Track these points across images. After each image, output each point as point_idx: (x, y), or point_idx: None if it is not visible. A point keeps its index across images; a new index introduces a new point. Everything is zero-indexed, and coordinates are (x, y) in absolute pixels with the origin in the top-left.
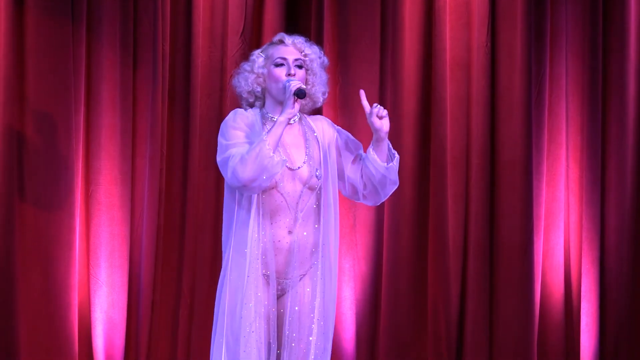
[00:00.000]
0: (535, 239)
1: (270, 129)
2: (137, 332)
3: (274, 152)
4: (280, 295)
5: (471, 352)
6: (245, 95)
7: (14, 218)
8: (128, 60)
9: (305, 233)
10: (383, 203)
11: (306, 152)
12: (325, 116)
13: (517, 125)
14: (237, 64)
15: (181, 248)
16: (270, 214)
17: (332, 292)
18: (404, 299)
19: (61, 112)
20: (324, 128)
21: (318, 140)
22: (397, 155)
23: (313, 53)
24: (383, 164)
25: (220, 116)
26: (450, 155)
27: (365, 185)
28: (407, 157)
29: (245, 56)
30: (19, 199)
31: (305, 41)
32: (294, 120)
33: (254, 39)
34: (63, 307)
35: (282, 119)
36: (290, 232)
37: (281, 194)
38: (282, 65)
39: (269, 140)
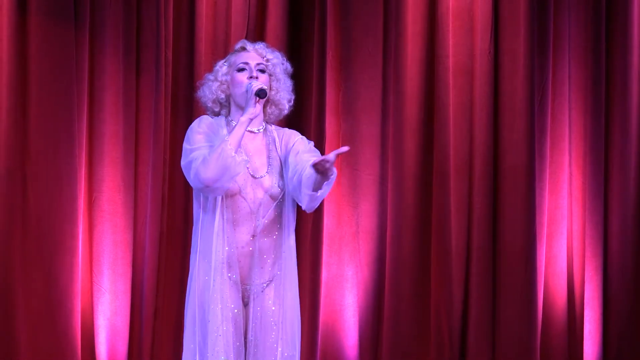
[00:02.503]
0: (538, 245)
1: (233, 129)
2: (140, 339)
3: (235, 152)
4: (247, 302)
5: (474, 359)
6: (210, 104)
7: (17, 225)
8: (131, 67)
9: (266, 239)
10: (386, 210)
11: (268, 162)
12: (328, 122)
13: (520, 132)
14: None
15: (184, 255)
16: (234, 219)
17: (294, 301)
18: (407, 305)
19: (64, 118)
20: (286, 139)
21: (280, 154)
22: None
23: (275, 58)
24: (309, 192)
25: None
26: (453, 161)
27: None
28: (409, 163)
29: None
30: (21, 206)
31: (267, 47)
32: (258, 130)
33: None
34: (66, 314)
35: (244, 119)
36: (253, 237)
37: (245, 199)
38: (244, 70)
39: (231, 140)
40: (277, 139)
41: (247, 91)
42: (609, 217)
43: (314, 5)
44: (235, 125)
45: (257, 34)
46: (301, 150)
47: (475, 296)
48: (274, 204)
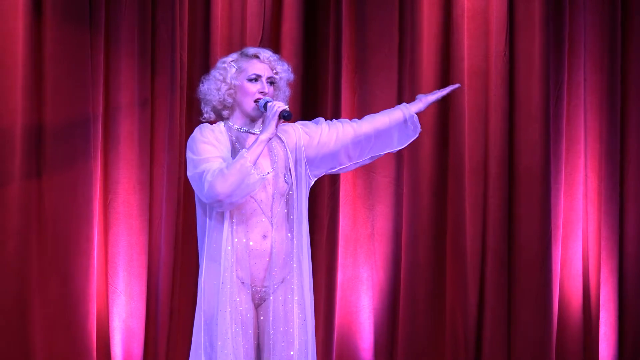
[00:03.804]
0: (553, 247)
1: (251, 146)
2: (155, 340)
3: (254, 169)
4: (260, 303)
5: None
6: (215, 103)
7: (33, 227)
8: (146, 69)
9: (277, 237)
10: (401, 212)
11: (271, 159)
12: None
13: (536, 134)
14: None
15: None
16: (245, 220)
17: (309, 300)
18: (422, 308)
19: (79, 120)
20: (293, 134)
21: (286, 147)
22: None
23: (283, 71)
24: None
25: None
26: (468, 163)
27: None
28: (425, 166)
29: None
30: (37, 208)
31: (278, 59)
32: (259, 131)
33: (272, 48)
34: (81, 316)
35: (264, 137)
36: (265, 237)
37: (255, 200)
38: (255, 80)
39: (250, 157)
40: (282, 137)
41: (265, 108)
42: (624, 219)
43: (330, 9)
44: (255, 141)
45: (272, 37)
46: (325, 128)
47: (490, 298)
48: (282, 200)
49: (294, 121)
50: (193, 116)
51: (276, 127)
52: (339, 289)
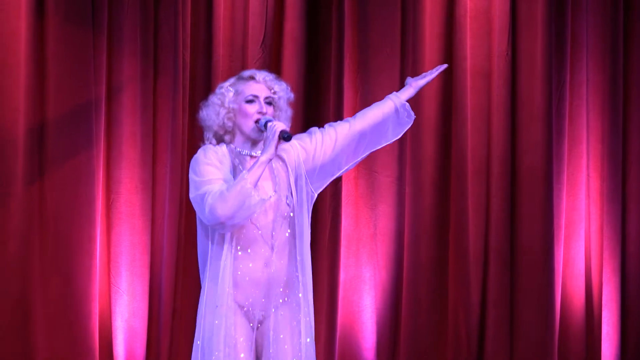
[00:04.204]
0: (555, 247)
1: (252, 167)
2: (158, 340)
3: (254, 191)
4: (259, 326)
5: None
6: (215, 128)
7: (35, 227)
8: (149, 69)
9: (280, 263)
10: (403, 212)
11: (273, 181)
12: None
13: (538, 134)
14: None
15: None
16: (245, 247)
17: (309, 320)
18: (425, 307)
19: (82, 120)
20: (292, 152)
21: (288, 168)
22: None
23: (282, 90)
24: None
25: None
26: (470, 163)
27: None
28: (427, 166)
29: (266, 66)
30: (39, 207)
31: (275, 78)
32: (261, 152)
33: (274, 49)
34: (84, 316)
35: (264, 158)
36: (266, 265)
37: (256, 226)
38: (253, 101)
39: (250, 178)
40: (283, 156)
41: (264, 128)
42: (626, 218)
43: (332, 9)
44: (255, 162)
45: (274, 37)
46: (320, 137)
47: (492, 298)
48: (285, 223)
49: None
50: (195, 116)
51: (276, 148)
52: (342, 289)
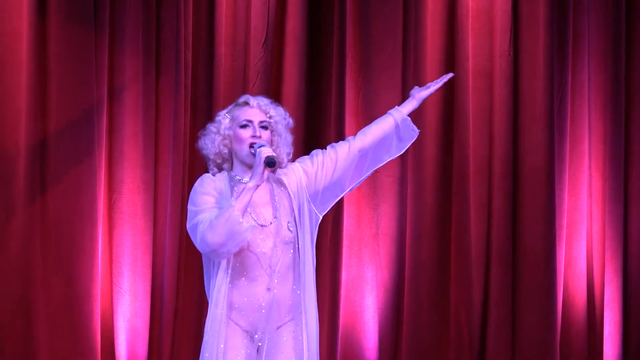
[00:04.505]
0: (557, 247)
1: (239, 194)
2: (160, 340)
3: (242, 218)
4: (262, 345)
5: None
6: (212, 157)
7: (37, 227)
8: (151, 69)
9: (282, 288)
10: (405, 212)
11: (274, 207)
12: (348, 124)
13: (540, 134)
14: (259, 73)
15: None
16: (243, 273)
17: (309, 349)
18: (427, 307)
19: (83, 120)
20: (294, 176)
21: (290, 193)
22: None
23: (278, 115)
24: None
25: None
26: (472, 163)
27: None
28: (429, 166)
29: (268, 65)
30: (41, 208)
31: (271, 103)
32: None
33: (275, 49)
34: (86, 316)
35: (251, 185)
36: (268, 290)
37: (254, 253)
38: (247, 126)
39: (238, 206)
40: (285, 180)
41: (254, 155)
42: (628, 218)
43: (334, 8)
44: (242, 188)
45: (276, 37)
46: (321, 160)
47: (494, 298)
48: (287, 249)
49: (296, 146)
50: (198, 116)
51: (262, 173)
52: (344, 289)
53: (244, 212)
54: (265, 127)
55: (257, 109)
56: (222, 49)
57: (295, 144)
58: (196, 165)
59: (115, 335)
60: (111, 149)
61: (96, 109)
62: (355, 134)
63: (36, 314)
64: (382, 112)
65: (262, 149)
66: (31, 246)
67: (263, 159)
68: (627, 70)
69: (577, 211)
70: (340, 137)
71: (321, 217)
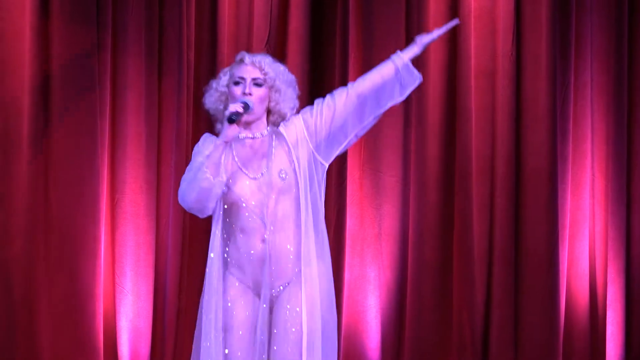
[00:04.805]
0: (560, 247)
1: (210, 152)
2: (162, 340)
3: (211, 174)
4: (272, 306)
5: None
6: (212, 112)
7: (39, 227)
8: (153, 68)
9: (280, 240)
10: (408, 212)
11: (269, 159)
12: None
13: (542, 134)
14: None
15: (206, 256)
16: (240, 227)
17: (318, 302)
18: (429, 307)
19: (86, 120)
20: (294, 128)
21: (288, 145)
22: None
23: (273, 71)
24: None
25: None
26: (475, 163)
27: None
28: (431, 166)
29: None
30: (44, 207)
31: (268, 60)
32: (260, 134)
33: (278, 48)
34: (88, 315)
35: (219, 142)
36: (263, 241)
37: (245, 206)
38: (239, 83)
39: (207, 162)
40: (284, 133)
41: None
42: (631, 218)
43: (336, 8)
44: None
45: (279, 36)
46: (320, 109)
47: (497, 298)
48: (282, 199)
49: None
50: (200, 115)
51: (227, 130)
52: (346, 289)
53: (214, 167)
54: (259, 85)
55: (250, 66)
56: (225, 49)
57: None
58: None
59: (117, 335)
60: (114, 148)
61: (99, 108)
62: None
63: (39, 313)
64: (385, 112)
65: (231, 105)
66: (34, 246)
67: (226, 115)
68: (629, 71)
69: (579, 211)
70: None
71: (327, 165)
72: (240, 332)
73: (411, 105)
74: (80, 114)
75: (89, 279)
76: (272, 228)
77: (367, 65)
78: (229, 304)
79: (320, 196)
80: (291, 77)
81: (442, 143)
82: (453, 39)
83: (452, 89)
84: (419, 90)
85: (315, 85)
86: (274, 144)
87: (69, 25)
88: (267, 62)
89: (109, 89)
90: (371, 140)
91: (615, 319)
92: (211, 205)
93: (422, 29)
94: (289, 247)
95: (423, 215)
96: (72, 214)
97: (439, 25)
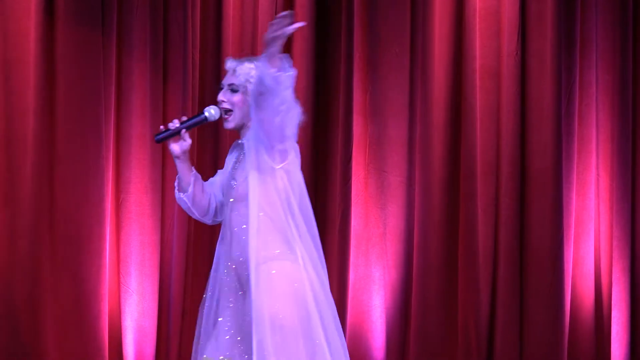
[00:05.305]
0: (565, 247)
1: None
2: (167, 340)
3: (179, 190)
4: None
5: None
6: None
7: (44, 226)
8: (158, 69)
9: (241, 245)
10: (413, 212)
11: (241, 169)
12: (355, 123)
13: (547, 134)
14: None
15: (212, 256)
16: (221, 232)
17: (262, 308)
18: (434, 307)
19: (91, 120)
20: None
21: (245, 153)
22: None
23: (244, 75)
24: None
25: None
26: (480, 163)
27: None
28: (436, 165)
29: None
30: (49, 207)
31: (241, 60)
32: (247, 140)
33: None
34: (93, 315)
35: (174, 157)
36: (230, 247)
37: (225, 216)
38: (221, 90)
39: (176, 181)
40: (245, 142)
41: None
42: (636, 218)
43: (341, 8)
44: None
45: None
46: None
47: (502, 298)
48: (242, 206)
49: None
50: None
51: (170, 147)
52: (351, 288)
53: (179, 183)
54: (235, 90)
55: (229, 71)
56: (230, 49)
57: (303, 142)
58: (203, 166)
59: (122, 335)
60: (119, 148)
61: (104, 108)
62: (362, 133)
63: (44, 313)
64: (390, 112)
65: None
66: (39, 246)
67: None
68: (634, 70)
69: (584, 211)
70: (348, 136)
71: (277, 166)
72: (220, 319)
73: (416, 105)
74: (85, 114)
75: (94, 278)
76: (235, 234)
77: (371, 65)
78: (220, 306)
79: (284, 201)
80: (264, 71)
81: (447, 143)
82: (458, 39)
83: (457, 88)
84: (424, 90)
85: (320, 85)
86: (242, 157)
87: (74, 25)
88: (242, 66)
89: (114, 88)
90: (376, 140)
91: (621, 318)
92: (199, 216)
93: (427, 28)
94: (247, 252)
95: (428, 215)
96: (77, 214)
97: (444, 25)
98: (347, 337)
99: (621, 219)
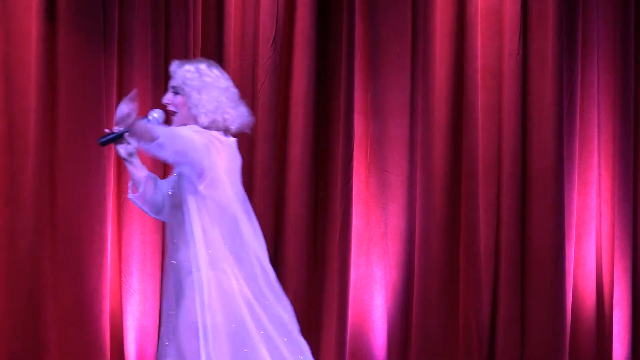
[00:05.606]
0: (566, 246)
1: None
2: None
3: (131, 190)
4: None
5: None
6: None
7: (46, 226)
8: (160, 68)
9: (179, 250)
10: (414, 211)
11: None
12: (356, 123)
13: (549, 134)
14: (268, 72)
15: None
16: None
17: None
18: (436, 306)
19: (93, 120)
20: None
21: None
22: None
23: (180, 77)
24: None
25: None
26: (481, 163)
27: None
28: (438, 165)
29: (277, 65)
30: (50, 207)
31: (182, 63)
32: None
33: (284, 48)
34: (95, 315)
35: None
36: (171, 254)
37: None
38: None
39: (130, 182)
40: None
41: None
42: (638, 217)
43: (342, 8)
44: None
45: (285, 37)
46: None
47: (503, 297)
48: (177, 212)
49: None
50: None
51: (119, 147)
52: (352, 288)
53: (135, 185)
54: (176, 92)
55: (172, 74)
56: (231, 49)
57: (305, 142)
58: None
59: (124, 335)
60: None
61: (105, 108)
62: (363, 133)
63: (45, 313)
64: (391, 111)
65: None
66: (40, 245)
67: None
68: (636, 70)
69: (586, 210)
70: (349, 135)
71: (192, 173)
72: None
73: (417, 104)
74: (86, 114)
75: (95, 278)
76: (174, 241)
77: (372, 64)
78: None
79: (205, 198)
80: (202, 81)
81: (448, 142)
82: (460, 39)
83: (458, 88)
84: (426, 89)
85: (321, 85)
86: None
87: (75, 25)
88: (181, 69)
89: (116, 88)
90: (377, 139)
91: (622, 318)
92: (157, 213)
93: (429, 28)
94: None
95: (429, 214)
96: (78, 213)
97: (445, 25)
98: (348, 336)
99: (623, 218)
